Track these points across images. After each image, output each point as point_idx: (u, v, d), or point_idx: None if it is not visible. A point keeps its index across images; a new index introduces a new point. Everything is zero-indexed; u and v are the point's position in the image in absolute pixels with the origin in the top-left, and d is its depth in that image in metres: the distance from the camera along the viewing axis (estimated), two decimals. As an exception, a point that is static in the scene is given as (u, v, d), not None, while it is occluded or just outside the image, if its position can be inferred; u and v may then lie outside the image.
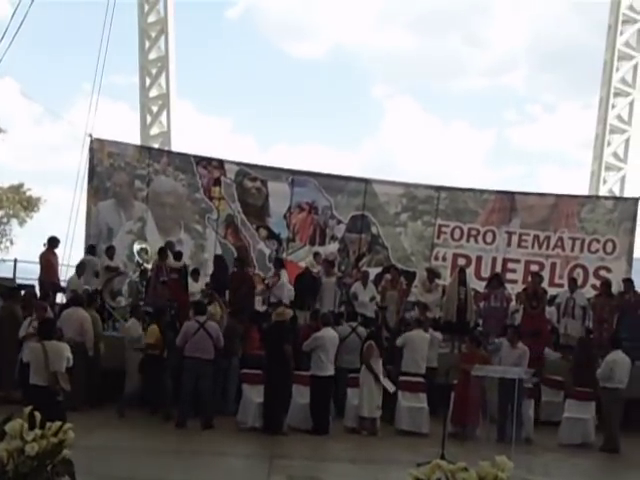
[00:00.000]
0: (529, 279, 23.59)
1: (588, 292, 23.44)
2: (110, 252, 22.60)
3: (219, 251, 24.69)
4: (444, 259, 25.84)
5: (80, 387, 17.15)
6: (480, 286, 23.53)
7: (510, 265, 25.68)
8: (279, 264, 23.05)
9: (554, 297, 22.68)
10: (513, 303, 22.74)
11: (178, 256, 22.40)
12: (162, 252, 22.09)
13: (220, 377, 18.18)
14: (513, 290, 23.76)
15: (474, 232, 25.95)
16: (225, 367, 18.34)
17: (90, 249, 23.07)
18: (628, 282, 22.17)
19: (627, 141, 35.48)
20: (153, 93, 34.78)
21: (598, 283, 23.70)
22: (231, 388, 18.39)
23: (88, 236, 24.57)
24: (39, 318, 17.14)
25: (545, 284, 23.52)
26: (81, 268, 22.24)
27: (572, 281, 23.02)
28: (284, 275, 22.49)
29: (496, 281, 22.66)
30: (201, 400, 17.22)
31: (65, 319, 18.34)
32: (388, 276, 23.24)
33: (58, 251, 22.48)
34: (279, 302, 21.12)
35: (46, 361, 13.48)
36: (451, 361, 19.02)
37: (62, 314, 18.78)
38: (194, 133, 60.89)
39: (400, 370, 18.79)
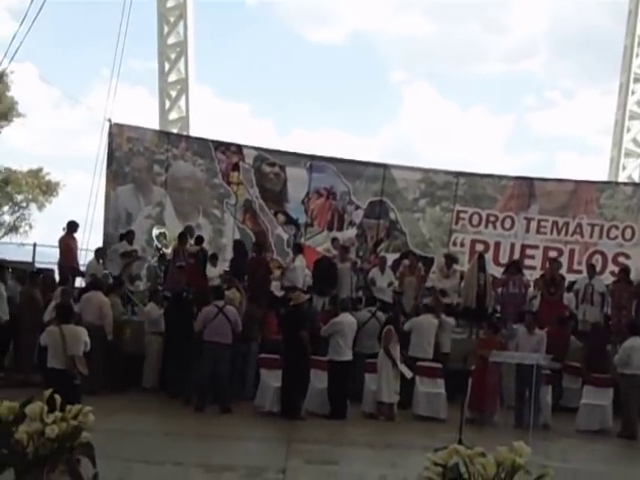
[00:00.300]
0: (547, 265, 23.56)
1: (607, 278, 23.35)
2: (129, 237, 22.65)
3: (237, 236, 24.71)
4: (462, 245, 25.78)
5: (99, 371, 17.32)
6: (498, 272, 23.47)
7: (528, 251, 25.58)
8: (297, 249, 23.05)
9: (573, 283, 22.62)
10: (531, 289, 22.71)
11: (199, 240, 22.39)
12: (182, 237, 22.13)
13: (239, 362, 18.25)
14: (531, 276, 23.66)
15: (492, 218, 25.87)
16: (244, 352, 18.40)
17: (121, 237, 23.04)
18: (648, 269, 22.13)
19: (647, 127, 35.33)
20: (172, 78, 34.82)
21: (617, 269, 23.61)
22: (250, 373, 18.44)
23: (107, 221, 24.63)
24: (64, 303, 17.28)
25: (564, 270, 23.49)
26: (100, 252, 22.34)
27: (591, 267, 22.93)
28: (299, 260, 22.49)
29: (514, 267, 22.60)
30: (219, 384, 17.29)
31: (84, 303, 18.45)
32: (406, 262, 23.22)
33: (77, 235, 22.58)
34: (293, 287, 21.15)
35: (64, 345, 13.65)
36: (468, 347, 19.02)
37: (81, 298, 18.88)
38: (213, 118, 60.78)
39: (408, 355, 18.83)
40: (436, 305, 20.20)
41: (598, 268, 23.70)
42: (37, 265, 24.87)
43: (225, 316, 17.42)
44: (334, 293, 20.55)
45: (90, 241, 24.05)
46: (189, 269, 21.35)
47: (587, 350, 19.83)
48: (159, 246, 23.31)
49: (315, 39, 79.33)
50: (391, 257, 24.39)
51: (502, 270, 23.31)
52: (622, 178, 34.06)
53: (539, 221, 25.82)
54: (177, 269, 21.42)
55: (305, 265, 22.48)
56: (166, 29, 34.55)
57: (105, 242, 23.82)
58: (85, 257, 23.49)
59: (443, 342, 19.72)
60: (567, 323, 20.32)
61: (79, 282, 22.48)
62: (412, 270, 22.56)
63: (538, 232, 25.79)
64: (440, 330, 19.57)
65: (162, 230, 23.86)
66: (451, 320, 20.22)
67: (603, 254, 25.37)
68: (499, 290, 22.21)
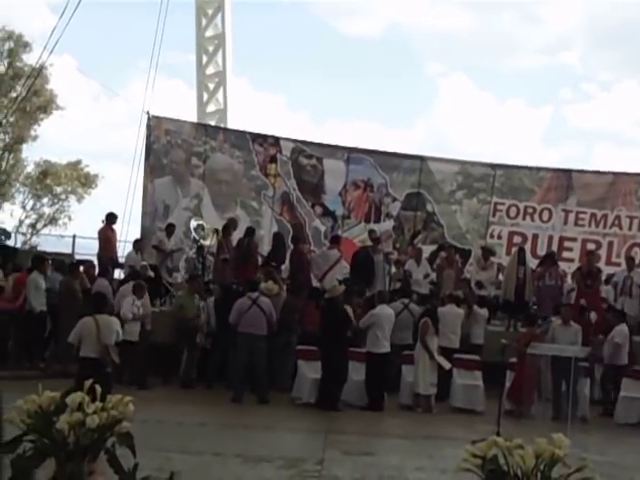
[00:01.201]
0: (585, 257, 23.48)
1: (646, 271, 23.22)
2: (170, 230, 22.73)
3: (275, 228, 24.77)
4: (500, 237, 25.72)
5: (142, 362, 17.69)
6: (535, 264, 23.40)
7: (567, 243, 25.48)
8: (334, 240, 23.03)
9: (612, 276, 22.50)
10: (569, 281, 22.62)
11: (250, 232, 22.21)
12: (225, 229, 22.16)
13: (277, 353, 18.32)
14: (570, 269, 23.65)
15: (530, 210, 25.78)
16: (283, 343, 18.47)
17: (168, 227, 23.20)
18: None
19: (687, 118, 35.01)
20: (210, 71, 34.80)
21: (656, 261, 23.48)
22: (288, 364, 18.46)
23: (144, 214, 24.80)
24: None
25: (602, 263, 23.41)
26: (139, 244, 22.47)
27: (630, 260, 22.82)
28: (330, 252, 22.59)
29: (550, 259, 22.50)
30: (256, 375, 17.36)
31: (123, 294, 18.60)
32: (443, 254, 23.23)
33: (116, 227, 22.74)
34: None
35: (98, 334, 13.97)
36: (505, 339, 18.95)
37: (120, 289, 19.06)
38: (250, 110, 60.90)
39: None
40: (468, 296, 20.21)
41: (637, 260, 23.56)
42: (76, 256, 25.07)
43: (259, 307, 17.51)
44: (362, 288, 20.41)
45: (129, 233, 24.29)
46: (235, 261, 21.36)
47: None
48: (197, 238, 23.36)
49: (350, 32, 79.17)
50: (428, 249, 24.41)
51: (538, 262, 23.28)
52: (661, 170, 33.74)
53: (577, 213, 25.70)
54: (222, 261, 21.50)
55: (329, 254, 22.40)
56: (204, 22, 34.59)
57: (142, 235, 23.96)
58: (124, 249, 23.69)
59: (475, 333, 19.71)
60: (585, 313, 20.07)
61: (118, 273, 22.66)
62: (450, 262, 22.56)
63: (576, 224, 25.67)
64: (472, 321, 19.59)
65: (200, 222, 23.91)
66: (483, 312, 20.17)
67: (642, 246, 25.22)
68: (536, 283, 22.14)
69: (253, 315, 17.46)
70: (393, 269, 22.74)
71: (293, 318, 18.79)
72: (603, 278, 22.23)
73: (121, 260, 22.73)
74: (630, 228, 25.53)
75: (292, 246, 22.84)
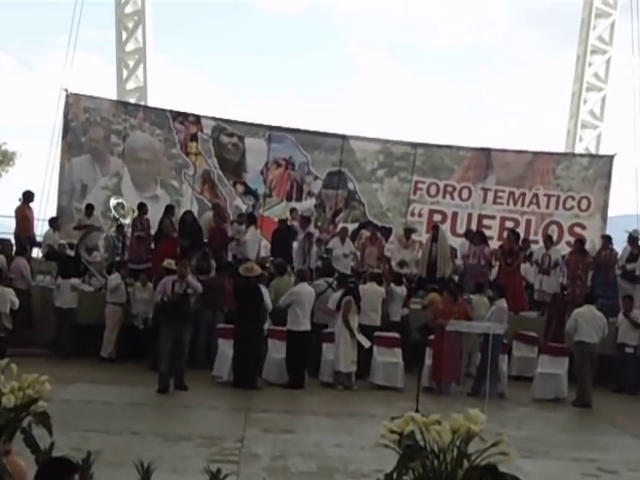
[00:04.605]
0: (504, 235, 23.74)
1: (563, 249, 23.58)
2: (89, 211, 22.49)
3: (196, 207, 24.62)
4: (420, 215, 25.90)
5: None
6: (456, 242, 23.64)
7: (485, 221, 25.74)
8: (251, 220, 22.85)
9: (530, 254, 22.79)
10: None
11: (169, 211, 22.12)
12: (141, 207, 22.02)
13: (204, 330, 18.26)
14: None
15: (450, 188, 26.01)
16: (209, 320, 18.40)
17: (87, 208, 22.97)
18: (605, 239, 22.32)
19: (603, 99, 35.34)
20: (129, 47, 34.44)
21: (572, 240, 23.87)
22: (212, 342, 18.33)
23: (61, 193, 24.42)
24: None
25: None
26: (55, 222, 22.20)
27: (548, 238, 23.12)
28: (250, 232, 22.37)
29: (478, 238, 22.50)
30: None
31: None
32: (366, 233, 23.35)
33: (34, 205, 22.45)
34: (245, 259, 21.06)
35: None
36: (424, 316, 19.11)
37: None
38: (171, 88, 60.50)
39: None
40: (386, 274, 20.33)
41: (554, 238, 23.89)
42: (-7, 235, 24.69)
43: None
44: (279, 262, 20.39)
45: (47, 211, 23.93)
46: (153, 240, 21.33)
47: (547, 320, 20.06)
48: (117, 216, 23.09)
49: (273, 9, 79.04)
50: (350, 227, 24.50)
51: (459, 240, 23.58)
52: (579, 149, 34.10)
53: (496, 192, 26.00)
54: (136, 240, 21.36)
55: (260, 237, 22.42)
56: (123, -3, 34.20)
57: (59, 214, 23.64)
58: (42, 227, 23.38)
59: (392, 311, 19.82)
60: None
61: (36, 252, 22.40)
62: (373, 240, 22.67)
63: (495, 202, 25.98)
64: (389, 299, 19.67)
65: (120, 200, 23.63)
66: (401, 289, 20.23)
67: (559, 225, 25.64)
68: (461, 261, 22.40)
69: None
70: (315, 248, 22.69)
71: (218, 296, 18.69)
72: (522, 256, 22.46)
73: (39, 239, 22.46)
74: (547, 206, 25.91)
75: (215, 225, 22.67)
